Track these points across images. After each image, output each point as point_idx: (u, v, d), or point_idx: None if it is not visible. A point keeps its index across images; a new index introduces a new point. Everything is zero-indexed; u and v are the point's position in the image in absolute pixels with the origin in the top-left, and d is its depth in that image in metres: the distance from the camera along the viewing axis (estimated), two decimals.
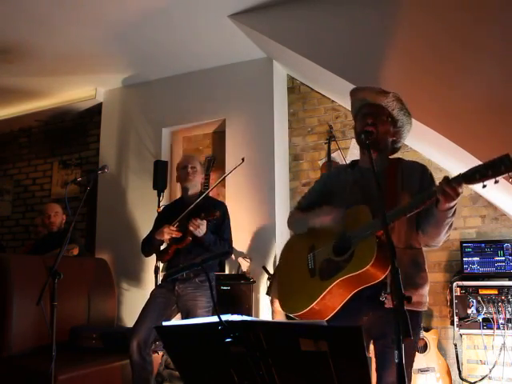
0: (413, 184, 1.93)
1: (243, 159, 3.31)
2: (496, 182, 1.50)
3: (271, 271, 3.80)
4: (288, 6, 3.62)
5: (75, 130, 5.62)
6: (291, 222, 2.19)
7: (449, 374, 3.36)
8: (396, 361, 1.22)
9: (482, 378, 3.33)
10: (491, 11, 2.99)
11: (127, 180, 4.89)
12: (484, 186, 1.52)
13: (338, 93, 4.13)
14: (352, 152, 4.16)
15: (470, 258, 3.53)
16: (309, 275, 1.93)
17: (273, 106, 4.29)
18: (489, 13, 3.00)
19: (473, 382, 3.35)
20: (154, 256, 3.57)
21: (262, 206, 4.14)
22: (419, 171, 1.97)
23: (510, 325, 3.25)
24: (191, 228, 2.96)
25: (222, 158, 4.51)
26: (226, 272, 4.15)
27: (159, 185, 4.33)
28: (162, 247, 3.31)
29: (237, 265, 4.01)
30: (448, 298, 3.56)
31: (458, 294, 3.40)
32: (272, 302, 3.59)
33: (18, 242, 5.75)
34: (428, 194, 1.67)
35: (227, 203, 3.56)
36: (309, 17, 3.57)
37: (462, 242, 3.59)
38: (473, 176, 1.53)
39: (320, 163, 4.31)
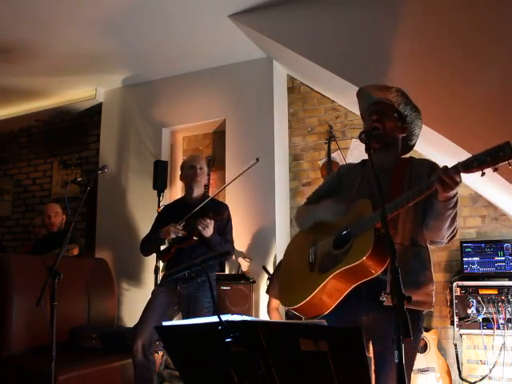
0: (421, 181, 1.91)
1: (258, 159, 3.23)
2: (495, 169, 1.47)
3: (271, 271, 3.80)
4: (288, 6, 3.62)
5: (75, 130, 5.62)
6: (298, 218, 2.18)
7: (449, 374, 3.36)
8: (396, 361, 1.21)
9: (482, 378, 3.33)
10: (490, 12, 2.99)
11: (127, 180, 4.89)
12: (483, 174, 1.49)
13: (338, 93, 4.13)
14: (352, 152, 4.16)
15: (469, 258, 3.53)
16: (308, 269, 1.92)
17: (273, 106, 4.29)
18: (488, 14, 3.00)
19: (473, 382, 3.35)
20: (154, 256, 3.58)
21: (262, 206, 4.14)
22: (428, 168, 1.94)
23: (510, 325, 3.25)
24: (200, 227, 2.95)
25: (222, 158, 4.52)
26: (226, 272, 4.15)
27: (159, 185, 4.33)
28: (162, 247, 3.31)
29: (237, 265, 4.01)
30: (448, 298, 3.56)
31: (458, 294, 3.40)
32: (269, 300, 3.59)
33: (17, 241, 5.75)
34: (426, 184, 1.64)
35: (227, 203, 3.56)
36: (309, 17, 3.57)
37: (461, 242, 3.59)
38: (471, 164, 1.50)
39: (320, 163, 4.31)
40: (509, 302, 3.28)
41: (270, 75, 4.38)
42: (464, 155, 3.06)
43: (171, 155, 4.92)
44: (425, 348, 3.39)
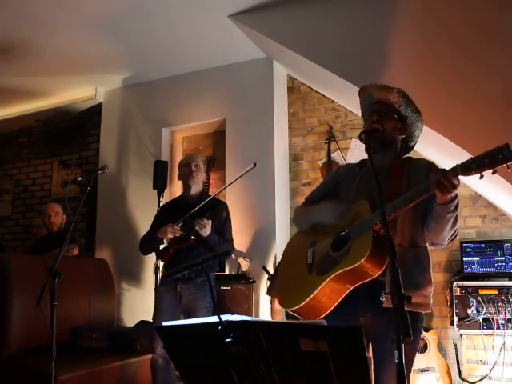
0: (419, 182, 1.87)
1: (255, 164, 3.25)
2: (494, 172, 1.45)
3: (271, 271, 3.79)
4: (288, 6, 3.62)
5: (75, 130, 5.61)
6: (296, 219, 2.19)
7: (449, 373, 3.36)
8: (396, 361, 1.21)
9: (482, 378, 3.33)
10: (491, 13, 2.99)
11: (127, 180, 4.89)
12: (481, 177, 1.47)
13: (338, 93, 4.13)
14: (352, 152, 4.16)
15: (469, 258, 3.53)
16: (307, 270, 1.92)
17: (273, 106, 4.29)
18: (489, 14, 3.00)
19: (473, 382, 3.35)
20: (154, 256, 3.57)
21: (262, 206, 4.14)
22: (426, 168, 1.92)
23: (510, 325, 3.25)
24: (197, 228, 2.95)
25: (222, 158, 4.52)
26: (226, 272, 4.15)
27: (159, 185, 4.33)
28: (161, 246, 3.31)
29: (237, 265, 4.01)
30: (448, 298, 3.56)
31: (458, 294, 3.40)
32: (272, 301, 3.59)
33: (17, 242, 5.75)
34: (424, 187, 1.62)
35: (227, 203, 3.56)
36: (309, 17, 3.57)
37: (461, 242, 3.59)
38: (469, 166, 1.49)
39: (320, 163, 4.31)
40: (509, 301, 3.28)
41: (270, 75, 4.38)
42: (464, 155, 3.06)
43: (171, 155, 4.92)
44: (425, 348, 3.39)
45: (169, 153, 4.90)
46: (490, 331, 3.29)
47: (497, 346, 3.30)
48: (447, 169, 1.57)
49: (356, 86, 2.45)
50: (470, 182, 3.70)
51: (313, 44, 3.57)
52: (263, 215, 4.13)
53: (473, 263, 3.51)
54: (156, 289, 3.25)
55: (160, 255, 3.29)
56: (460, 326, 3.36)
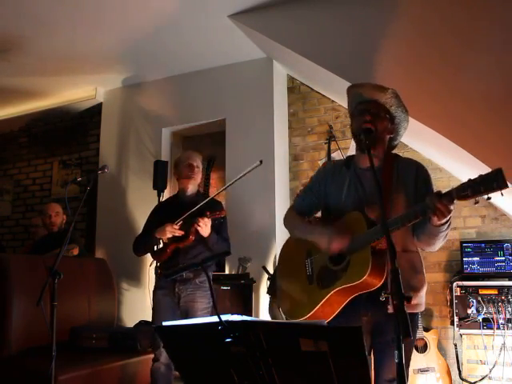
0: (408, 183, 1.91)
1: (261, 161, 3.09)
2: (488, 198, 1.48)
3: (271, 271, 3.80)
4: (288, 6, 3.61)
5: (75, 130, 5.61)
6: (287, 224, 2.22)
7: (449, 373, 3.36)
8: (396, 361, 1.22)
9: (482, 378, 3.33)
10: (492, 8, 2.98)
11: (127, 180, 4.89)
12: (476, 202, 1.51)
13: (338, 93, 4.13)
14: (352, 152, 4.16)
15: (470, 258, 3.53)
16: (307, 281, 1.97)
17: (273, 106, 4.29)
18: (488, 11, 2.99)
19: (473, 382, 3.35)
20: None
21: (262, 206, 4.14)
22: (414, 170, 1.95)
23: (510, 325, 3.25)
24: (198, 227, 2.91)
25: (222, 158, 4.51)
26: (226, 272, 4.15)
27: (159, 185, 4.33)
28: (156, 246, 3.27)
29: (237, 265, 4.01)
30: (448, 298, 3.56)
31: (458, 293, 3.40)
32: (272, 305, 3.58)
33: (17, 242, 5.75)
34: (420, 210, 1.65)
35: (227, 203, 3.56)
36: (309, 17, 3.57)
37: (461, 242, 3.59)
38: (465, 192, 1.51)
39: (320, 163, 4.31)
40: (509, 301, 3.28)
41: (270, 75, 4.38)
42: (464, 155, 3.07)
43: (171, 155, 4.92)
44: (425, 348, 3.39)
45: (169, 153, 4.90)
46: (490, 331, 3.29)
47: (497, 345, 3.30)
48: (442, 191, 1.59)
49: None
50: None
51: (313, 44, 3.57)
52: (263, 215, 4.13)
53: (473, 263, 3.51)
54: (153, 292, 3.15)
55: (156, 256, 3.20)
56: (460, 326, 3.36)
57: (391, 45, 3.23)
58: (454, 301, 3.39)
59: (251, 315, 3.59)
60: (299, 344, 1.30)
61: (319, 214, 2.18)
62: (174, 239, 3.05)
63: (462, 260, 3.55)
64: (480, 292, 3.36)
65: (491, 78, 2.91)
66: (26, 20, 3.79)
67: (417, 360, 3.33)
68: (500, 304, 3.29)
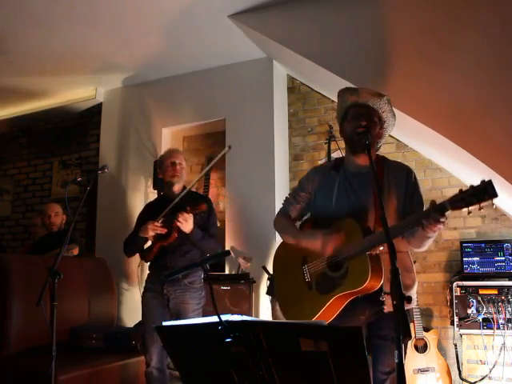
0: (399, 186, 1.96)
1: (230, 147, 3.23)
2: (480, 208, 1.55)
3: (271, 271, 3.79)
4: (288, 6, 3.61)
5: (75, 130, 5.61)
6: (278, 230, 2.22)
7: (449, 373, 3.36)
8: (396, 361, 1.24)
9: (482, 378, 3.33)
10: (496, 12, 2.98)
11: (127, 180, 4.89)
12: (469, 213, 1.58)
13: None
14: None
15: (470, 258, 3.52)
16: (306, 287, 2.00)
17: (273, 106, 4.29)
18: (493, 14, 2.99)
19: (473, 382, 3.35)
20: None
21: (262, 206, 4.13)
22: (405, 174, 2.00)
23: (510, 325, 3.25)
24: (178, 223, 2.83)
25: (221, 158, 4.50)
26: (226, 272, 4.15)
27: (159, 185, 4.32)
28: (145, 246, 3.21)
29: (237, 265, 4.01)
30: (448, 298, 3.56)
31: (458, 293, 3.40)
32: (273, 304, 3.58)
33: (17, 242, 5.75)
34: (416, 219, 1.71)
35: (227, 203, 3.55)
36: (309, 17, 3.57)
37: (461, 242, 3.59)
38: (458, 204, 1.58)
39: (320, 163, 4.31)
40: (509, 301, 3.28)
41: (270, 75, 4.38)
42: (464, 155, 3.06)
43: None
44: (425, 348, 3.39)
45: None
46: (490, 331, 3.29)
47: (497, 346, 3.30)
48: (436, 203, 1.65)
49: (356, 86, 2.45)
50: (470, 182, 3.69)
51: (313, 44, 3.56)
52: (263, 215, 4.12)
53: (473, 263, 3.51)
54: (142, 294, 3.08)
55: (144, 255, 3.12)
56: (460, 326, 3.36)
57: (391, 45, 3.23)
58: (454, 301, 3.39)
59: (251, 315, 3.59)
60: (299, 344, 1.30)
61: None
62: (159, 237, 2.97)
63: (462, 260, 3.55)
64: (480, 292, 3.36)
65: (493, 79, 2.91)
66: (25, 20, 3.78)
67: (417, 360, 3.33)
68: (500, 304, 3.29)
